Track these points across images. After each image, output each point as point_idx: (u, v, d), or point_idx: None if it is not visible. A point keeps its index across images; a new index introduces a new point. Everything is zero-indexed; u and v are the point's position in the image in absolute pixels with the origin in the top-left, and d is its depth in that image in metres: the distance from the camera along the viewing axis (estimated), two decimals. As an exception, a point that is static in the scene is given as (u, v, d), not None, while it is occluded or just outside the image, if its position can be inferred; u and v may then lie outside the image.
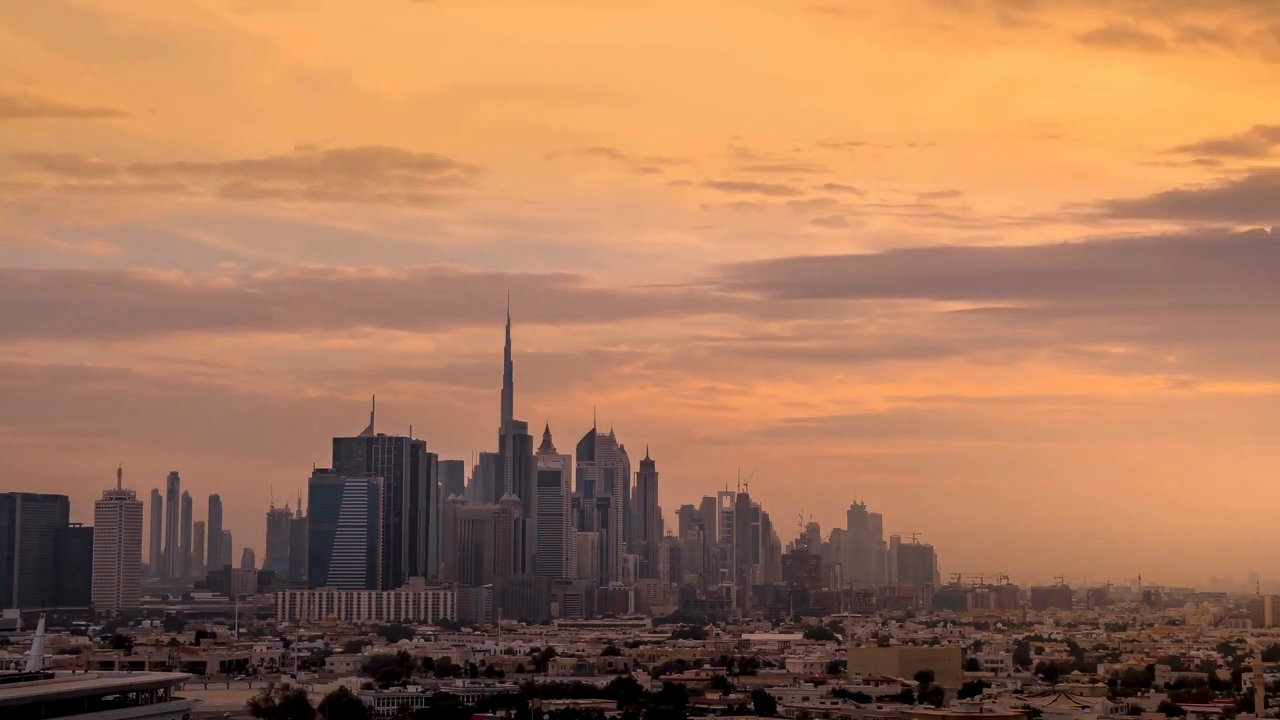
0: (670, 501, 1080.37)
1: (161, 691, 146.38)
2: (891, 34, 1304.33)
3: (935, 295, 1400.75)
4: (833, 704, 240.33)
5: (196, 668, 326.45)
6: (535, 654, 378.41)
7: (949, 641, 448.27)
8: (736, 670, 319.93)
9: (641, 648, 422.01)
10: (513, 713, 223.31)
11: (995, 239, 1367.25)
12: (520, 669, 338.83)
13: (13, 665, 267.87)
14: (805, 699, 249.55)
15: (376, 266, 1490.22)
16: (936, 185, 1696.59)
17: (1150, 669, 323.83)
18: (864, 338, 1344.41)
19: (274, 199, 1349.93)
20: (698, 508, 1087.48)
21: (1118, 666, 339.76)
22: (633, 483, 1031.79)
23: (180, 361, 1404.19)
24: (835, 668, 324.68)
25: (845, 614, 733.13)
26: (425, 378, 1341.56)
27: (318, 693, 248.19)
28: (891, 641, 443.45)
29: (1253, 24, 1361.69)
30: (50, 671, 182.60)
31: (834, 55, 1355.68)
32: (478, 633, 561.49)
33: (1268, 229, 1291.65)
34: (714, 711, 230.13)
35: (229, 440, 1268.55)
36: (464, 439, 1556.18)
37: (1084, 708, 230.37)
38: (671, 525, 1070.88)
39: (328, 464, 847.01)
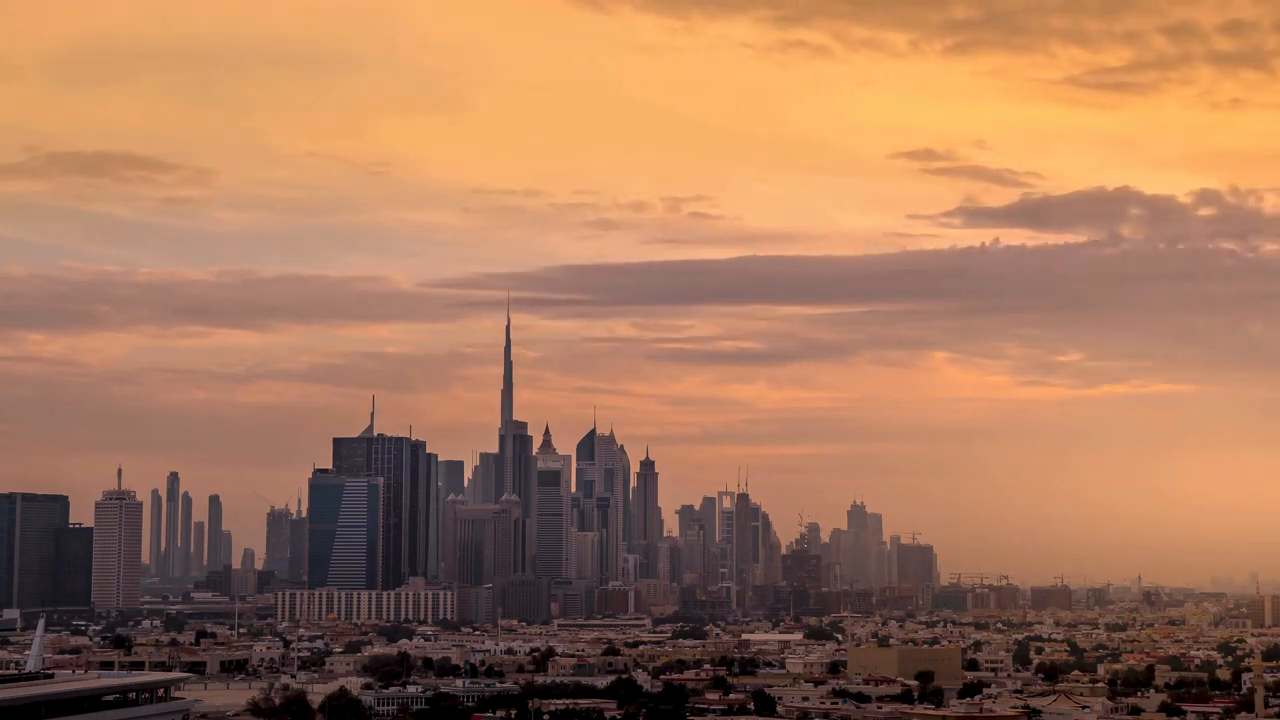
0: (670, 501, 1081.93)
1: (161, 691, 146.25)
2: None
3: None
4: (833, 704, 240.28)
5: (196, 668, 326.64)
6: (535, 654, 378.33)
7: (949, 641, 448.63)
8: (736, 670, 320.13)
9: (641, 648, 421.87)
10: (513, 713, 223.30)
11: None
12: (520, 669, 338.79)
13: (13, 665, 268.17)
14: (805, 699, 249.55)
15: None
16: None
17: (1150, 669, 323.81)
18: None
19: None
20: (698, 508, 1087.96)
21: (1118, 666, 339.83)
22: (633, 483, 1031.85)
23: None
24: (835, 668, 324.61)
25: (845, 614, 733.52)
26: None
27: (318, 693, 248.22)
28: (891, 641, 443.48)
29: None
30: (50, 671, 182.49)
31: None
32: (478, 633, 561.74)
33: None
34: (714, 711, 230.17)
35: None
36: (464, 439, 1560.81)
37: (1084, 708, 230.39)
38: (671, 525, 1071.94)
39: (328, 464, 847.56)
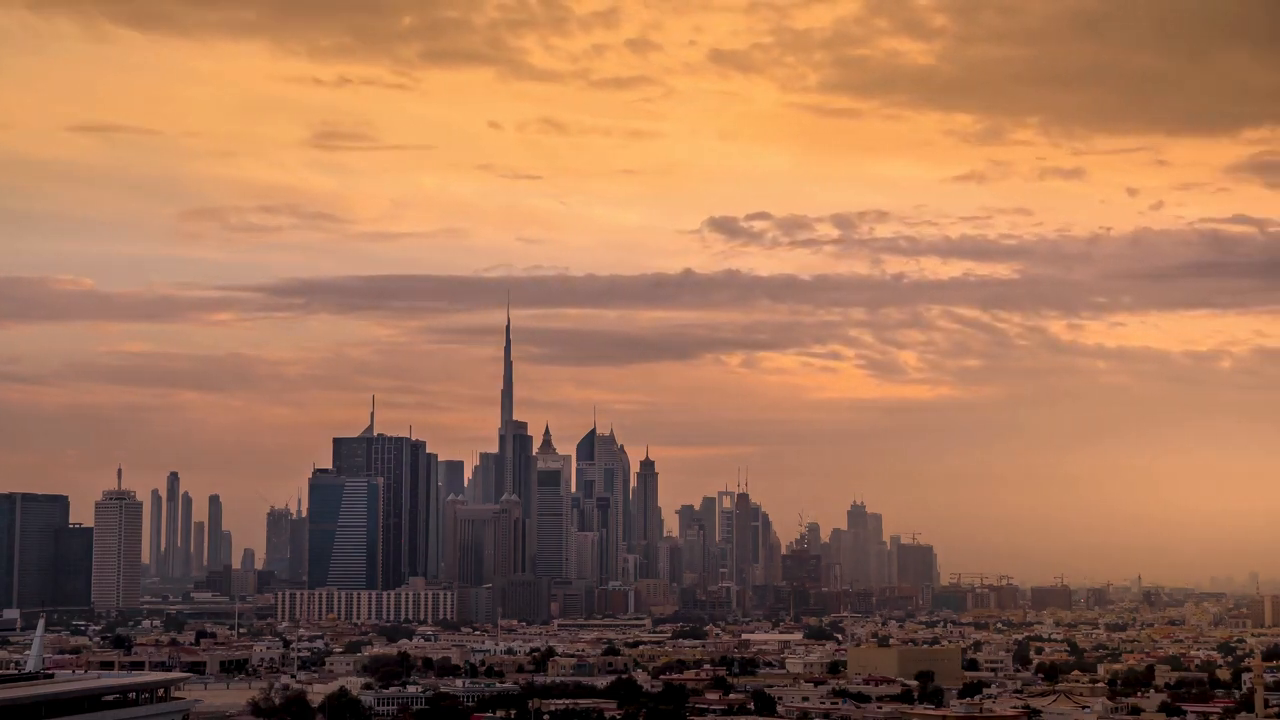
0: (670, 501, 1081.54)
1: (161, 691, 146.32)
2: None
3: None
4: (833, 704, 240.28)
5: (196, 668, 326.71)
6: (535, 654, 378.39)
7: (949, 641, 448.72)
8: (736, 670, 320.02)
9: (641, 648, 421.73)
10: (513, 713, 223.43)
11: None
12: (520, 669, 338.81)
13: (13, 665, 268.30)
14: (805, 699, 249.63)
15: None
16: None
17: (1150, 669, 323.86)
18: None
19: None
20: (698, 508, 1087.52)
21: (1118, 666, 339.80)
22: (633, 483, 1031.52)
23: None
24: (835, 668, 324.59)
25: (845, 614, 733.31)
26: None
27: (318, 693, 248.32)
28: (891, 641, 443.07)
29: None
30: (50, 671, 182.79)
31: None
32: (478, 633, 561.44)
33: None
34: (714, 711, 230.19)
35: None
36: (464, 439, 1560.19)
37: (1084, 708, 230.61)
38: (671, 525, 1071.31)
39: (328, 464, 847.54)
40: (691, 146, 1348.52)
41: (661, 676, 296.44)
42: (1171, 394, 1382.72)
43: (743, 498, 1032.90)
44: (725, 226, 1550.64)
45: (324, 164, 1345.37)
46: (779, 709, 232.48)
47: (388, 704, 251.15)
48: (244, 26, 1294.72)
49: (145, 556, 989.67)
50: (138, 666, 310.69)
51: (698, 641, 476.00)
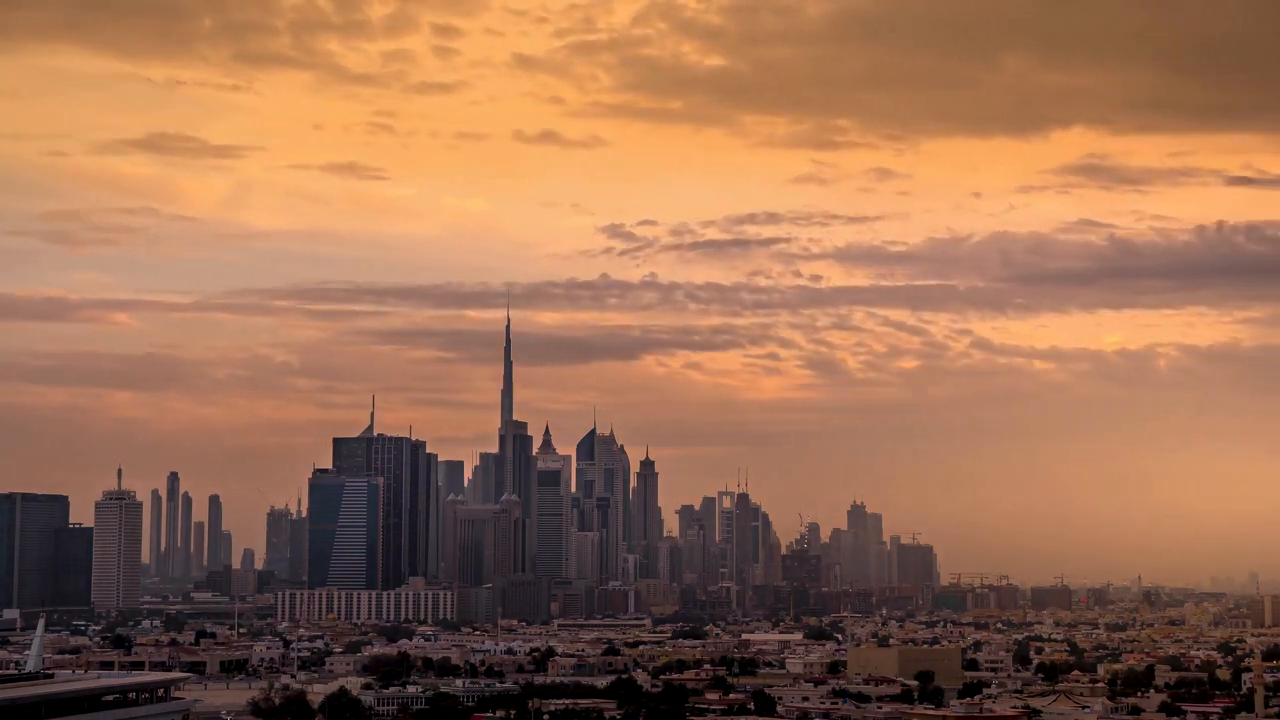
0: (670, 501, 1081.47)
1: (161, 691, 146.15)
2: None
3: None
4: (833, 704, 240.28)
5: (196, 668, 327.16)
6: (535, 654, 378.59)
7: (949, 641, 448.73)
8: (736, 670, 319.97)
9: (641, 648, 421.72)
10: (513, 713, 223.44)
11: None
12: (520, 669, 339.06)
13: (13, 665, 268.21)
14: (805, 699, 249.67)
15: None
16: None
17: (1150, 669, 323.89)
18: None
19: None
20: (698, 508, 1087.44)
21: (1118, 666, 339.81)
22: (633, 482, 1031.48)
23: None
24: (835, 668, 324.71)
25: (845, 614, 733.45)
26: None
27: (318, 693, 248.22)
28: (891, 641, 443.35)
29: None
30: (50, 671, 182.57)
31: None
32: (478, 633, 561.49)
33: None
34: (714, 711, 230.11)
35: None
36: (464, 439, 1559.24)
37: (1084, 708, 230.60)
38: (671, 525, 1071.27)
39: (328, 464, 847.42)
40: (519, 150, 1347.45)
41: (661, 676, 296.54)
42: (1118, 392, 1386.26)
43: (743, 498, 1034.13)
44: (618, 232, 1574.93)
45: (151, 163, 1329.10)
46: (779, 709, 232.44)
47: (388, 704, 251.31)
48: (50, 26, 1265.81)
49: (145, 556, 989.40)
50: (138, 666, 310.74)
51: (698, 641, 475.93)
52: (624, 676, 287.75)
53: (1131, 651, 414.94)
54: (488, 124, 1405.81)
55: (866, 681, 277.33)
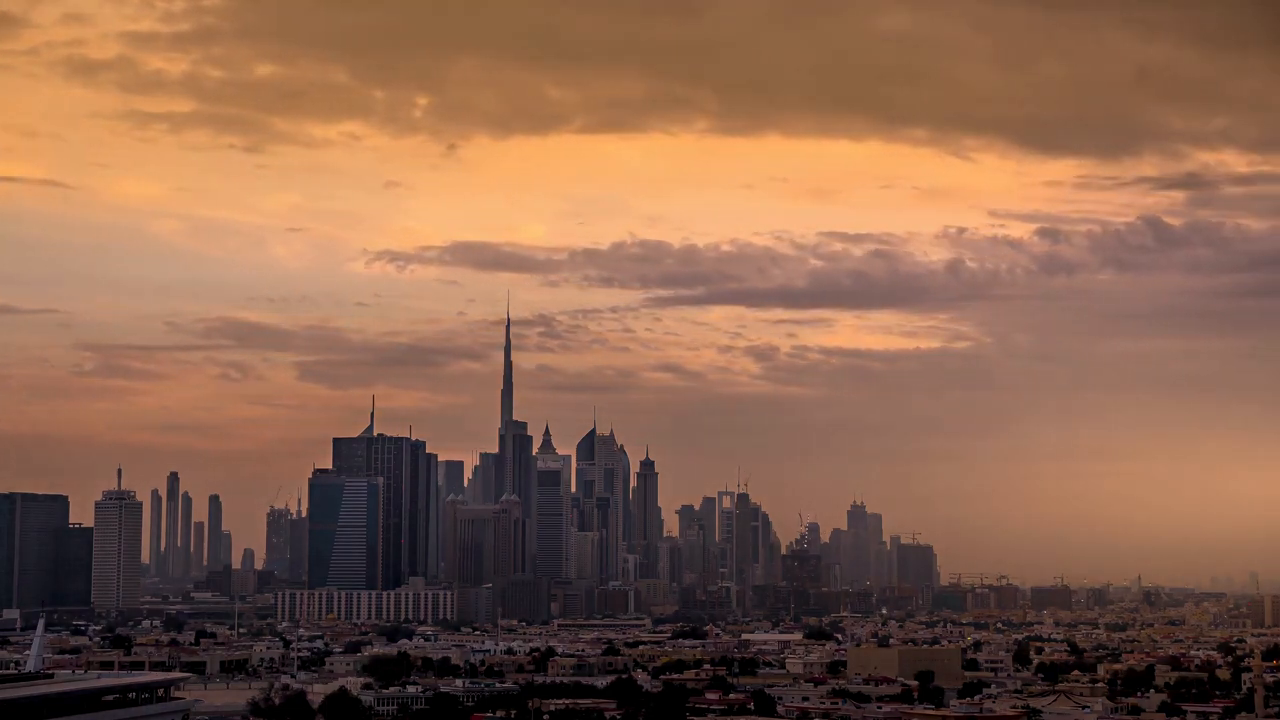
0: (670, 501, 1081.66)
1: (161, 691, 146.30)
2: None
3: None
4: (833, 704, 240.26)
5: (196, 668, 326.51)
6: (535, 654, 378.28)
7: (949, 641, 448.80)
8: (736, 670, 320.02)
9: (641, 648, 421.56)
10: (513, 713, 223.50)
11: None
12: (520, 669, 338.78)
13: (13, 665, 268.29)
14: (805, 699, 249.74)
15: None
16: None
17: (1150, 669, 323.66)
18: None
19: None
20: (698, 508, 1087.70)
21: (1118, 666, 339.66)
22: (633, 482, 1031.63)
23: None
24: (835, 668, 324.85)
25: (845, 614, 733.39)
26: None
27: (318, 693, 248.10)
28: (891, 641, 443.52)
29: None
30: (50, 671, 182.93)
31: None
32: (478, 633, 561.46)
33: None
34: (714, 711, 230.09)
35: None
36: (464, 439, 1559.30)
37: (1084, 708, 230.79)
38: (671, 525, 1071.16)
39: (328, 464, 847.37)
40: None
41: (661, 676, 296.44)
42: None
43: (743, 498, 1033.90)
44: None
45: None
46: (779, 709, 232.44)
47: (388, 704, 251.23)
48: None
49: (145, 556, 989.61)
50: (137, 666, 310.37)
51: (698, 641, 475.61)
52: (624, 676, 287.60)
53: (1131, 651, 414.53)
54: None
55: (866, 681, 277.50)
